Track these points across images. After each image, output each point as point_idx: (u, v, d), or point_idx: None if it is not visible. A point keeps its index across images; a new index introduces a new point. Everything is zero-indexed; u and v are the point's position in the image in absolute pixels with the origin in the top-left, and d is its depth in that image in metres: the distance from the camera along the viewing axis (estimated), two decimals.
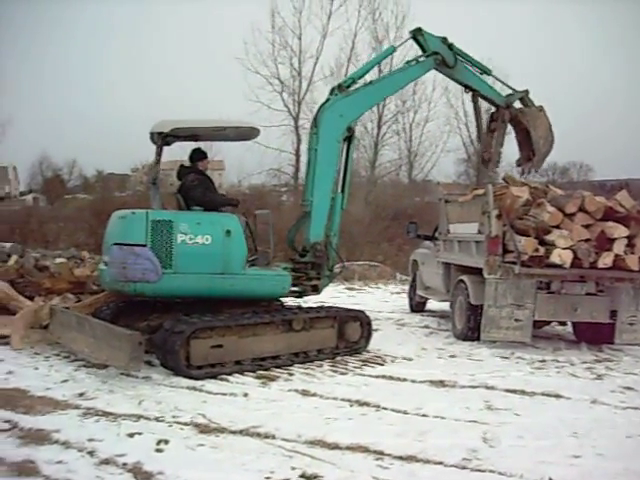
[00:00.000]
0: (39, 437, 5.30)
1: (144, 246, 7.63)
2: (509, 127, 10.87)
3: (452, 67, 9.91)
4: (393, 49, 10.66)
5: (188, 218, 7.97)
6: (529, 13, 69.29)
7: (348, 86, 9.28)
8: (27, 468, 4.65)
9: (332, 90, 9.29)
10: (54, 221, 25.96)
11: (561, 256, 9.13)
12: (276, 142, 34.77)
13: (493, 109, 10.81)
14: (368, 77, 10.16)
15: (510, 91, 10.73)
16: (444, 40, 9.91)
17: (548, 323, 11.06)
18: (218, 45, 75.26)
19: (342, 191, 9.27)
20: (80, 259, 11.96)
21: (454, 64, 9.89)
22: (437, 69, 9.99)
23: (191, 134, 8.82)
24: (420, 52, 10.18)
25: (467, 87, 10.46)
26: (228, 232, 8.04)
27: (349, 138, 9.32)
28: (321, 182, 8.99)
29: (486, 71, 10.47)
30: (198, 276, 7.91)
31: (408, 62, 10.11)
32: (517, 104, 10.64)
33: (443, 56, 9.76)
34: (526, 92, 10.54)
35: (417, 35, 9.89)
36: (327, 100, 9.20)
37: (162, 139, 8.21)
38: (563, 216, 9.35)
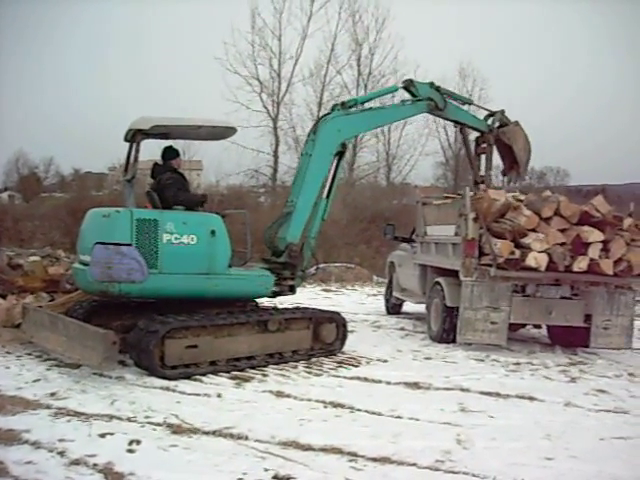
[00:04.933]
0: (9, 437, 5.22)
1: (129, 245, 7.53)
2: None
3: (443, 109, 10.46)
4: (396, 89, 11.19)
5: (173, 217, 7.89)
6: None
7: (350, 106, 9.67)
8: None
9: (334, 106, 9.80)
10: (29, 219, 25.67)
11: (536, 259, 9.17)
12: (254, 143, 34.74)
13: (476, 134, 11.35)
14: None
15: (486, 113, 11.43)
16: (432, 84, 10.47)
17: (523, 326, 11.12)
18: (196, 45, 74.89)
19: (327, 197, 9.43)
20: (55, 258, 11.84)
21: (444, 106, 10.43)
22: (430, 112, 10.66)
23: (170, 132, 8.74)
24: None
25: (455, 122, 11.15)
26: (213, 232, 8.01)
27: (341, 153, 9.58)
28: (308, 187, 9.15)
29: (467, 102, 11.33)
30: (183, 276, 7.87)
31: (404, 101, 10.58)
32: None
33: (435, 101, 10.30)
34: (502, 112, 11.14)
35: (409, 86, 10.40)
36: (329, 113, 9.65)
37: (141, 136, 8.09)
38: (539, 220, 9.42)
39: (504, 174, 11.41)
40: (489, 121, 11.09)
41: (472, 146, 11.47)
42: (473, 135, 11.43)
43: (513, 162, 11.09)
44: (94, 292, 8.07)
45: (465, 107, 11.21)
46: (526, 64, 74.06)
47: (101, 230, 7.75)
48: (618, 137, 73.91)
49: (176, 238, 7.77)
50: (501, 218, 9.62)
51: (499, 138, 10.99)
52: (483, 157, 11.25)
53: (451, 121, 11.24)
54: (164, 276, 7.73)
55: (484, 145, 11.11)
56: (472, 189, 10.33)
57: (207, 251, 7.98)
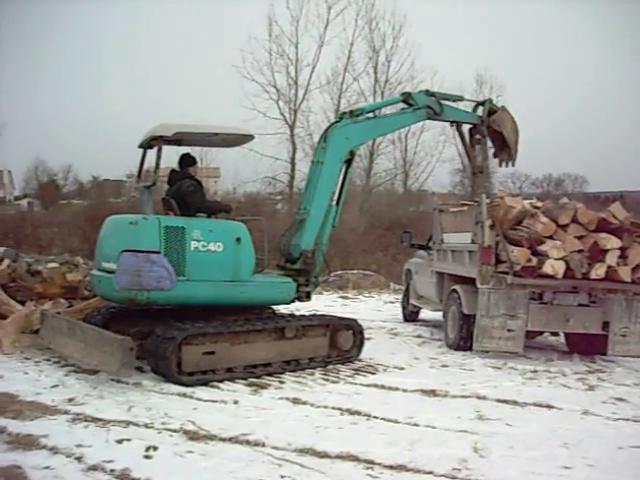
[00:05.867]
0: (27, 442, 5.26)
1: (158, 253, 7.55)
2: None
3: (440, 114, 10.64)
4: (399, 100, 11.28)
5: (200, 225, 7.93)
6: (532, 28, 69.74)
7: (357, 115, 9.79)
8: (14, 473, 4.61)
9: (342, 114, 10.01)
10: (48, 226, 25.85)
11: (554, 267, 9.14)
12: (271, 150, 34.80)
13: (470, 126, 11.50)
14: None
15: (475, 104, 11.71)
16: (427, 92, 10.71)
17: (540, 333, 11.06)
18: (214, 52, 75.23)
19: (337, 204, 9.43)
20: (74, 264, 11.90)
21: (441, 110, 10.60)
22: (429, 119, 10.90)
23: (185, 139, 8.76)
24: None
25: (452, 122, 11.36)
26: (238, 239, 8.06)
27: (349, 161, 9.61)
28: (320, 194, 9.20)
29: (458, 98, 11.33)
30: (210, 284, 7.91)
31: (404, 109, 10.71)
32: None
33: (433, 108, 10.48)
34: (490, 100, 11.47)
35: (408, 99, 10.57)
36: (337, 121, 9.78)
37: (162, 143, 8.04)
38: (556, 227, 9.39)
39: (495, 156, 11.55)
40: (479, 111, 11.20)
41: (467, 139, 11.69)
42: (465, 127, 11.59)
43: (503, 144, 11.23)
44: (119, 300, 8.01)
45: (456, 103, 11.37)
46: (542, 69, 73.69)
47: (128, 237, 7.69)
48: (636, 143, 73.21)
49: (203, 246, 7.80)
50: (518, 225, 9.60)
51: (489, 126, 11.12)
52: (477, 147, 11.45)
53: (448, 122, 11.47)
54: (191, 283, 7.75)
55: (478, 136, 11.24)
56: (472, 180, 10.64)
57: (233, 258, 8.03)
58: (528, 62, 73.36)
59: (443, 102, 10.67)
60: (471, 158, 11.58)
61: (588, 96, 72.11)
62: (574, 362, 9.82)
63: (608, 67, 77.12)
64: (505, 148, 11.21)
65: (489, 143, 11.33)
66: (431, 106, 10.44)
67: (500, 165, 11.61)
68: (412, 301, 13.76)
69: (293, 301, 9.06)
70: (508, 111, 11.24)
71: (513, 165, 11.42)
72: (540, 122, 61.22)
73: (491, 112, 11.11)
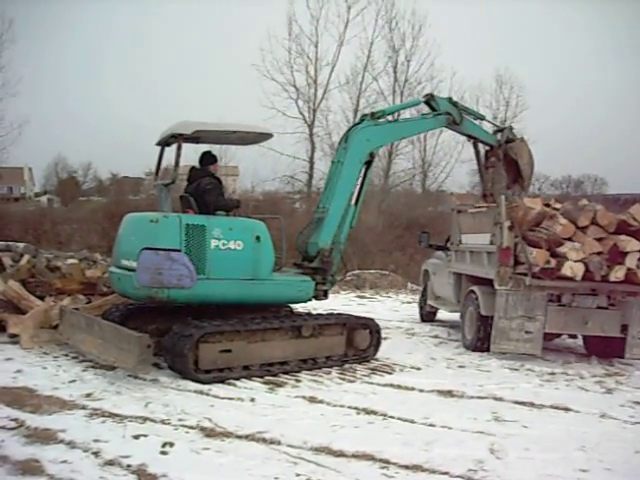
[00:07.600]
0: (45, 436, 5.31)
1: (179, 251, 7.57)
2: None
3: (459, 124, 10.80)
4: (419, 102, 11.77)
5: (221, 223, 7.95)
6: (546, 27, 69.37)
7: (379, 117, 9.90)
8: (31, 467, 4.66)
9: (363, 116, 10.11)
10: (68, 222, 26.04)
11: (572, 268, 9.08)
12: (290, 149, 34.88)
13: (487, 148, 11.70)
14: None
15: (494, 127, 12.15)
16: (450, 100, 10.93)
17: (558, 336, 10.99)
18: (234, 51, 75.43)
19: (356, 204, 9.49)
20: (92, 261, 11.99)
21: (460, 121, 10.78)
22: (447, 127, 11.06)
23: (203, 136, 8.78)
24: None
25: (469, 136, 11.54)
26: (258, 238, 8.09)
27: (369, 162, 9.71)
28: (339, 194, 9.26)
29: (480, 117, 11.72)
30: (230, 282, 7.93)
31: (424, 115, 10.98)
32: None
33: (453, 116, 10.66)
34: (510, 128, 11.69)
35: (430, 101, 10.77)
36: (359, 123, 9.93)
37: (182, 140, 8.07)
38: (575, 229, 9.33)
39: (508, 188, 11.69)
40: (497, 136, 11.41)
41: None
42: (482, 149, 11.79)
43: (517, 176, 11.38)
44: (139, 297, 8.03)
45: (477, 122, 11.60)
46: (565, 73, 73.24)
47: (148, 235, 7.69)
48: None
49: (223, 244, 7.83)
50: (537, 227, 9.55)
51: (506, 153, 11.28)
52: (491, 171, 11.63)
53: (465, 135, 11.58)
54: (212, 282, 7.78)
55: (493, 159, 11.40)
56: (479, 201, 10.83)
57: (253, 257, 8.05)
58: (551, 65, 73.00)
59: (464, 115, 10.82)
60: (484, 179, 11.77)
61: (589, 95, 71.86)
62: (592, 365, 9.74)
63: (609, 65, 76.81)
64: (518, 180, 11.37)
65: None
66: (452, 113, 10.58)
67: (512, 195, 11.57)
68: (429, 301, 13.73)
69: (310, 299, 9.08)
70: (526, 143, 11.44)
71: (525, 196, 11.44)
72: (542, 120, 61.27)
73: (509, 141, 11.28)
